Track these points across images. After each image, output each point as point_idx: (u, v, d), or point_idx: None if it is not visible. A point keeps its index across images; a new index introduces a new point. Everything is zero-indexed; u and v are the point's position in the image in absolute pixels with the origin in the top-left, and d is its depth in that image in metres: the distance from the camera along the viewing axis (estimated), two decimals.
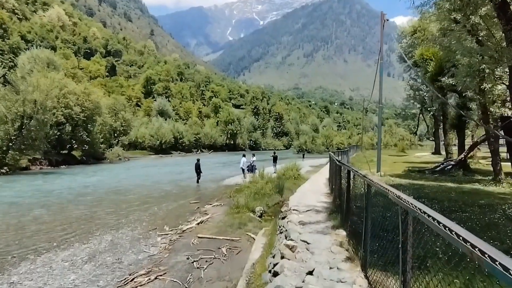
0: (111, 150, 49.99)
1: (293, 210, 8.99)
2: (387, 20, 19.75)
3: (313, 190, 13.22)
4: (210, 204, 16.56)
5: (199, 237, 10.55)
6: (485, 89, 15.13)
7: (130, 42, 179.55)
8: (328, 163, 35.61)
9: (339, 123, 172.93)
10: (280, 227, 8.85)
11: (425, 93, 39.64)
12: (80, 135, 41.58)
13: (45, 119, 33.02)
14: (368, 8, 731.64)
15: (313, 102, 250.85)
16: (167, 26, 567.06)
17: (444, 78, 20.15)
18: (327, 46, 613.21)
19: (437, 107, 31.62)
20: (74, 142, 41.89)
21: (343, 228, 7.12)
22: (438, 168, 20.12)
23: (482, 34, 14.86)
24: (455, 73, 20.29)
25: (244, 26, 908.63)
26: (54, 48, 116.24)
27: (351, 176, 6.89)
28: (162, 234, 11.47)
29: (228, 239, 10.34)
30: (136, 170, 36.07)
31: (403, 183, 15.24)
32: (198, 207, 16.24)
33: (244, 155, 26.74)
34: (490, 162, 30.06)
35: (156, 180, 27.08)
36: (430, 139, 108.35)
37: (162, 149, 70.19)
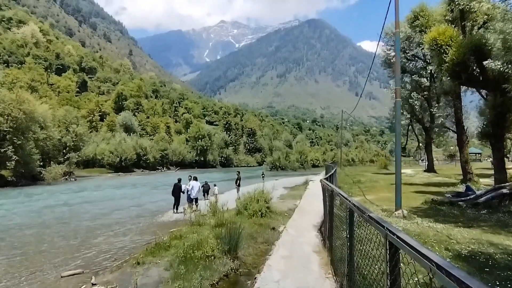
0: (50, 169, 39.87)
1: None
2: None
3: None
4: (92, 285, 7.96)
5: None
6: None
7: (107, 60, 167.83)
8: (307, 187, 27.03)
9: (312, 139, 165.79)
10: None
11: (415, 101, 32.49)
12: (5, 150, 31.83)
13: None
14: (336, 33, 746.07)
15: (286, 120, 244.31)
16: (147, 48, 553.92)
17: (489, 62, 12.53)
18: (299, 67, 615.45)
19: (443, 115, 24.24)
20: None
21: None
22: (482, 199, 12.26)
23: None
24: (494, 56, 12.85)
25: (220, 49, 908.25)
26: (22, 63, 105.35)
27: None
28: None
29: None
30: (65, 196, 26.55)
31: (480, 249, 7.11)
32: None
33: (192, 178, 18.10)
34: None
35: (70, 215, 18.11)
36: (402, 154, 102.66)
37: (122, 166, 60.27)
